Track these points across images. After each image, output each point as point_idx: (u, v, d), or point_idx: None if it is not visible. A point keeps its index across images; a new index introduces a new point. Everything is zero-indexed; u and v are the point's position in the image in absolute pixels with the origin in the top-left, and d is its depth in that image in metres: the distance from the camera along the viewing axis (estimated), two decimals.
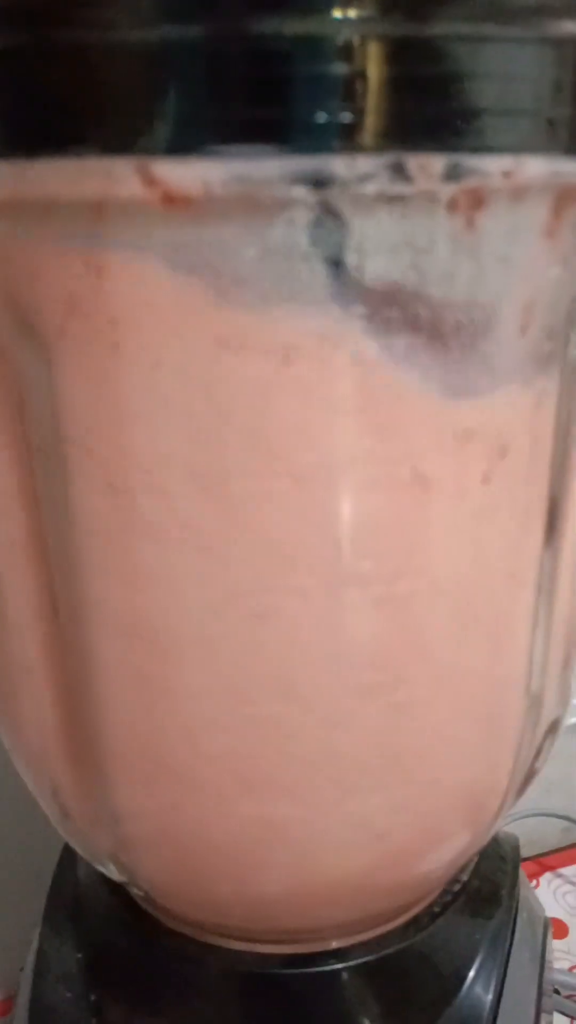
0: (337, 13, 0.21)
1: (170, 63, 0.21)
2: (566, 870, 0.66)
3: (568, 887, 0.64)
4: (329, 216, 0.22)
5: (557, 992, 0.54)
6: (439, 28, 0.22)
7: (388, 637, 0.27)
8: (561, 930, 0.59)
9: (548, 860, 0.67)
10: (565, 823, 0.66)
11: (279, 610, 0.25)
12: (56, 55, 0.21)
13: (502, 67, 0.23)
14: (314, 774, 0.28)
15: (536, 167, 0.23)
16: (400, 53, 0.21)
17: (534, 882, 0.64)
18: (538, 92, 0.23)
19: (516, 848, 0.40)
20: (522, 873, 0.40)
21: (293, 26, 0.21)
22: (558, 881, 0.64)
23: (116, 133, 0.22)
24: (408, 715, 0.28)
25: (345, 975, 0.34)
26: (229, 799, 0.28)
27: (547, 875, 0.65)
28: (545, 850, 0.67)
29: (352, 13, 0.21)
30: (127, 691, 0.27)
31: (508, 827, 0.42)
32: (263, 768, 0.27)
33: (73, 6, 0.21)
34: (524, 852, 0.42)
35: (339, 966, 0.34)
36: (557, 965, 0.47)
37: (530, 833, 0.63)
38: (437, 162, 0.22)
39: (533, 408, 0.27)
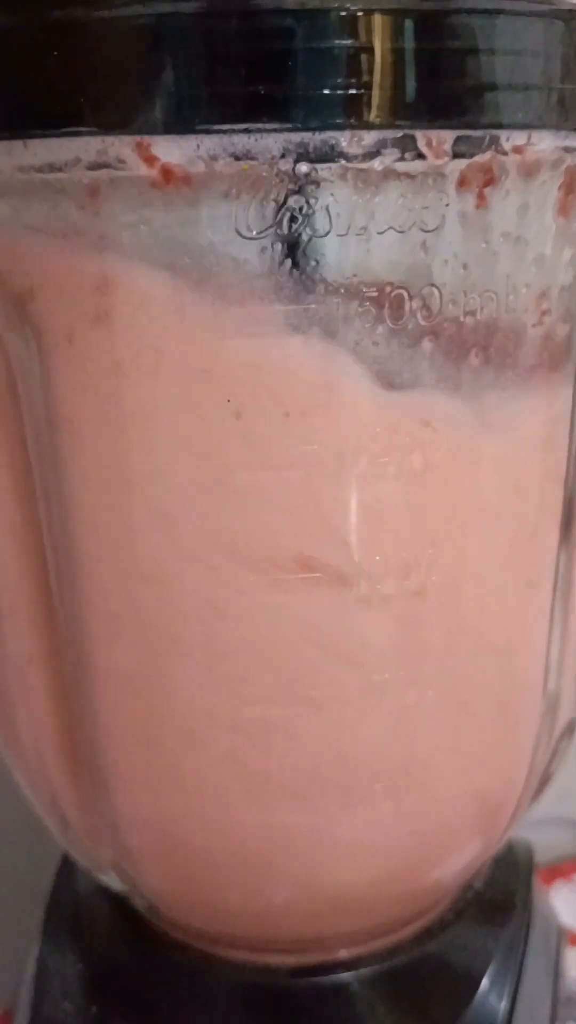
0: None
1: (168, 40, 0.20)
2: None
3: None
4: (336, 193, 0.21)
5: (572, 999, 0.53)
6: (447, 2, 0.21)
7: (398, 636, 0.26)
8: (575, 938, 0.58)
9: (562, 867, 0.65)
10: None
11: (285, 607, 0.25)
12: (52, 34, 0.21)
13: (513, 42, 0.22)
14: (322, 779, 0.27)
15: (548, 142, 0.22)
16: (407, 27, 0.21)
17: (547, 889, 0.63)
18: (549, 68, 0.22)
19: (530, 855, 0.39)
20: (537, 880, 0.39)
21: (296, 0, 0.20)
22: (571, 888, 0.63)
23: (114, 112, 0.21)
24: (419, 717, 0.27)
25: (355, 985, 0.33)
26: (233, 806, 0.27)
27: (560, 882, 0.64)
28: (559, 857, 0.66)
29: None
30: (126, 693, 0.26)
31: (521, 833, 0.41)
32: (269, 773, 0.26)
33: None
34: (538, 859, 0.41)
35: (348, 976, 0.33)
36: (572, 974, 0.46)
37: (544, 840, 0.62)
38: (447, 137, 0.21)
39: (549, 399, 0.26)
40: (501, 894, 0.37)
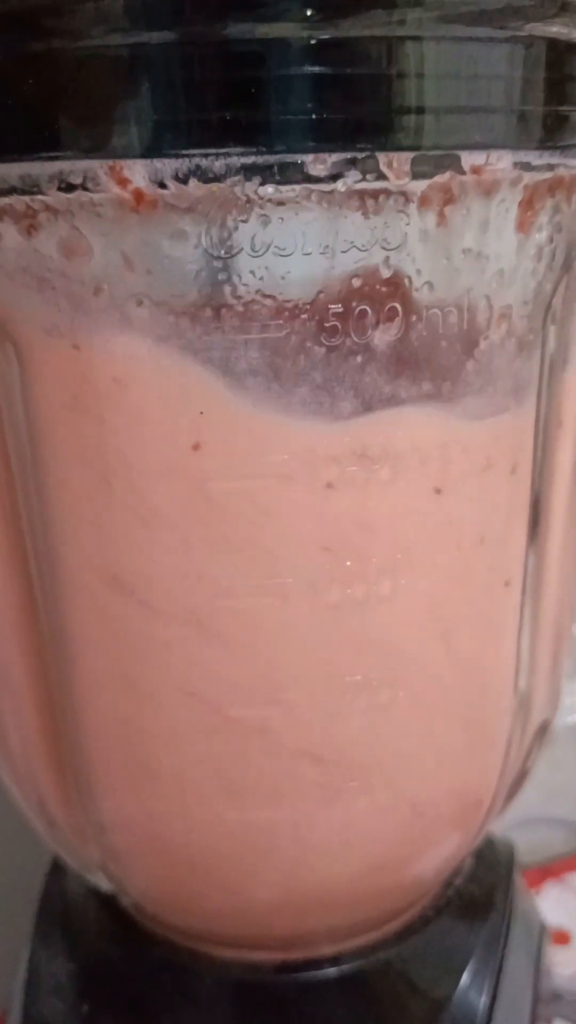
0: (306, 15, 0.21)
1: (140, 69, 0.21)
2: (570, 876, 0.65)
3: (571, 894, 0.63)
4: (301, 214, 0.22)
5: (560, 997, 0.54)
6: (409, 29, 0.22)
7: (370, 637, 0.26)
8: (564, 937, 0.59)
9: (552, 867, 0.66)
10: (569, 830, 0.66)
11: (261, 610, 0.25)
12: (29, 63, 0.22)
13: (473, 67, 0.23)
14: (298, 778, 0.27)
15: (506, 161, 0.23)
16: (370, 53, 0.22)
17: (537, 889, 0.63)
18: (510, 90, 0.23)
19: (511, 852, 0.40)
20: (519, 878, 0.40)
21: (262, 29, 0.21)
22: (561, 887, 0.64)
23: (89, 136, 0.22)
24: (392, 716, 0.27)
25: (338, 981, 0.33)
26: (214, 805, 0.28)
27: (550, 882, 0.64)
28: (549, 857, 0.67)
29: (320, 15, 0.21)
30: (107, 696, 0.27)
31: (511, 834, 0.41)
32: (247, 773, 0.27)
33: (44, 15, 0.21)
34: (528, 859, 0.41)
35: (332, 972, 0.33)
36: (560, 972, 0.47)
37: (534, 840, 0.63)
38: (407, 158, 0.22)
39: (513, 405, 0.27)
40: (482, 891, 0.37)
